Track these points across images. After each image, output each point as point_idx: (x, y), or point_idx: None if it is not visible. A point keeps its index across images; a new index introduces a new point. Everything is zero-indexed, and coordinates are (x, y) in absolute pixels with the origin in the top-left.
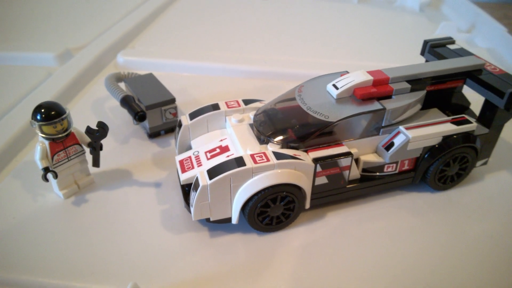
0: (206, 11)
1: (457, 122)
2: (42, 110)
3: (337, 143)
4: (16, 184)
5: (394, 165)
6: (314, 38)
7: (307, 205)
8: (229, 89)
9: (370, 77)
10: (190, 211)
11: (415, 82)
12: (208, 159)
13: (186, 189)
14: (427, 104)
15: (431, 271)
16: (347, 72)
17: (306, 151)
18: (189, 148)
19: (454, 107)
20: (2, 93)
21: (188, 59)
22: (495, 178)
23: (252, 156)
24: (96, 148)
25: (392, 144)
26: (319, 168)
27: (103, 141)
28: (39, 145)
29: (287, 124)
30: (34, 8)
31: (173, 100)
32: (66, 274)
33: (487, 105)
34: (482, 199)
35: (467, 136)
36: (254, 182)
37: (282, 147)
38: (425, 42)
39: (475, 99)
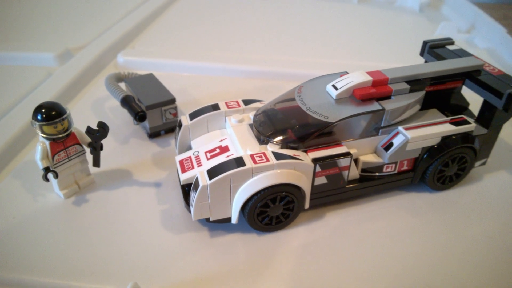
0: (206, 11)
1: (456, 123)
2: (43, 110)
3: (337, 144)
4: (17, 184)
5: (393, 165)
6: (314, 38)
7: (307, 205)
8: (229, 89)
9: (369, 78)
10: (190, 211)
11: (414, 83)
12: (208, 159)
13: (186, 189)
14: (426, 104)
15: (430, 271)
16: (347, 73)
17: (305, 151)
18: (189, 148)
19: (453, 107)
20: (2, 93)
21: (188, 59)
22: (494, 178)
23: (251, 156)
24: (96, 148)
25: (391, 145)
26: (318, 168)
27: (103, 141)
28: (40, 145)
29: (286, 125)
30: (34, 8)
31: (173, 100)
32: (66, 274)
33: (485, 106)
34: (481, 199)
35: (466, 137)
36: (254, 182)
37: (281, 147)
38: (425, 43)
39: (474, 100)
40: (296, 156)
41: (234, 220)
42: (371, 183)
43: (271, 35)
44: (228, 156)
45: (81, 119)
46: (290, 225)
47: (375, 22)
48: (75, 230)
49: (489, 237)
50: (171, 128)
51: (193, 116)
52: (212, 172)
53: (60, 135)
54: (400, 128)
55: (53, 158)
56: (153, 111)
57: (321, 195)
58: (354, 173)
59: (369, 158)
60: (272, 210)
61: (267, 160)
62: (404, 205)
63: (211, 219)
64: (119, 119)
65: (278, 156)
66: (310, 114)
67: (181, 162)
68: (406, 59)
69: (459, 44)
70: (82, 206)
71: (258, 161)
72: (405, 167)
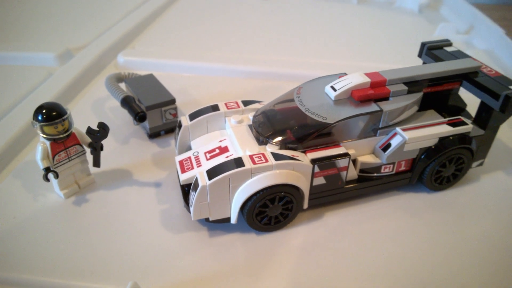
0: (206, 11)
1: (453, 124)
2: (43, 111)
3: (335, 144)
4: (17, 184)
5: (391, 166)
6: (314, 39)
7: (305, 205)
8: (229, 89)
9: (367, 79)
10: (189, 211)
11: (412, 84)
12: (207, 159)
13: (186, 189)
14: (424, 105)
15: (428, 270)
16: (345, 74)
17: (304, 152)
18: (189, 148)
19: (451, 108)
20: (2, 93)
21: (188, 59)
22: (490, 179)
23: (251, 157)
24: (96, 149)
25: (389, 145)
26: (317, 169)
27: (103, 141)
28: (40, 145)
29: (285, 125)
30: (34, 8)
31: (173, 101)
32: (67, 273)
33: (483, 107)
34: (478, 200)
35: (463, 138)
36: (253, 183)
37: (280, 148)
38: (423, 44)
39: (471, 101)
40: (294, 157)
41: (233, 220)
42: (369, 184)
43: (271, 36)
44: (227, 157)
45: (81, 119)
46: (288, 225)
47: (374, 23)
48: (75, 230)
49: (486, 237)
50: (171, 128)
51: (193, 116)
52: (212, 173)
53: (61, 136)
54: (398, 129)
55: (53, 158)
56: (153, 112)
57: (319, 195)
58: (352, 173)
59: (367, 158)
60: (271, 210)
61: (266, 160)
62: (402, 205)
63: (210, 219)
64: (119, 119)
65: (277, 156)
66: (309, 115)
67: (180, 162)
68: (406, 59)
69: (458, 45)
70: (82, 206)
71: (257, 162)
72: (403, 168)
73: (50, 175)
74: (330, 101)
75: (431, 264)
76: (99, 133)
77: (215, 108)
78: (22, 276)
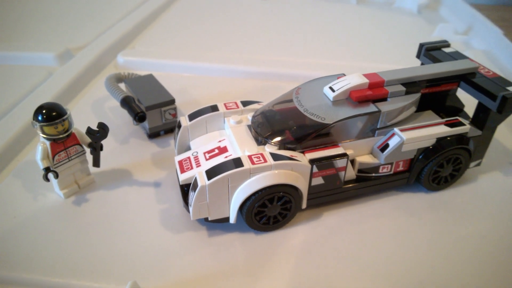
0: (206, 11)
1: (450, 124)
2: (43, 111)
3: (333, 145)
4: (17, 183)
5: (389, 166)
6: (313, 39)
7: (304, 205)
8: (229, 89)
9: (366, 80)
10: (188, 211)
11: (410, 85)
12: (206, 159)
13: (185, 189)
14: (422, 106)
15: (425, 270)
16: (344, 75)
17: (303, 152)
18: (188, 148)
19: (448, 109)
20: (2, 93)
21: (188, 59)
22: (488, 179)
23: (249, 157)
24: (96, 149)
25: (387, 146)
26: (315, 169)
27: (103, 141)
28: (40, 145)
29: (284, 126)
30: (34, 8)
31: (172, 101)
32: (67, 273)
33: (480, 108)
34: (475, 200)
35: (461, 138)
36: (252, 183)
37: (279, 148)
38: (421, 45)
39: (469, 102)
40: (293, 157)
41: (232, 220)
42: (368, 184)
43: (271, 36)
44: (226, 157)
45: (81, 119)
46: (287, 225)
47: (373, 23)
48: (75, 229)
49: (483, 236)
50: (171, 128)
51: (192, 117)
52: (211, 173)
53: (61, 136)
54: (396, 129)
55: (53, 158)
56: (153, 112)
57: (318, 195)
58: (350, 173)
59: (366, 159)
60: (269, 210)
61: (265, 160)
62: (399, 205)
63: (209, 219)
64: (119, 119)
65: (275, 157)
66: (307, 116)
67: (180, 162)
68: (405, 60)
69: (457, 46)
70: (82, 206)
71: (256, 162)
72: (400, 168)
73: (50, 175)
74: (329, 102)
75: (429, 264)
76: (99, 133)
77: (214, 108)
78: (22, 275)
